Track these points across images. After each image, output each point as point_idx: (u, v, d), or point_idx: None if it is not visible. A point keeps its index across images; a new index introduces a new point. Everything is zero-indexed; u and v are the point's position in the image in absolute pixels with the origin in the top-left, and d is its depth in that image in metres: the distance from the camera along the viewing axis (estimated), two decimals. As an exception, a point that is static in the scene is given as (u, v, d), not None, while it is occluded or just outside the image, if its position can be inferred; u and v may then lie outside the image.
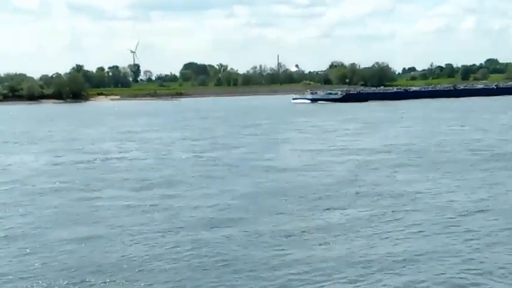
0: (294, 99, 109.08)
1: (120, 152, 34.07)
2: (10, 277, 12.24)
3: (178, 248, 13.65)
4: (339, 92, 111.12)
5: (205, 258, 12.91)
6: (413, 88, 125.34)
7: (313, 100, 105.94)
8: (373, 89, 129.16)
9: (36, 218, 17.26)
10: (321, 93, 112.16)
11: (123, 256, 13.32)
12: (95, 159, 30.67)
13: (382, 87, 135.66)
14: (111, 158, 31.56)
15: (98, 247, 14.21)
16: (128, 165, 28.54)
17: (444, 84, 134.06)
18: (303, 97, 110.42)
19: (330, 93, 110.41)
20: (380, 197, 18.42)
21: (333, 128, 46.10)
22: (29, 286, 11.68)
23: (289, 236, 14.55)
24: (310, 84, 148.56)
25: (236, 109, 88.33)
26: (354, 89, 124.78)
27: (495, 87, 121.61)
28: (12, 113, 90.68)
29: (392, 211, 16.65)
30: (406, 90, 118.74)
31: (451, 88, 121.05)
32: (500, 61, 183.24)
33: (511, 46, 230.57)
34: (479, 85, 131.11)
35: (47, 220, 17.03)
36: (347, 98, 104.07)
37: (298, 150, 32.32)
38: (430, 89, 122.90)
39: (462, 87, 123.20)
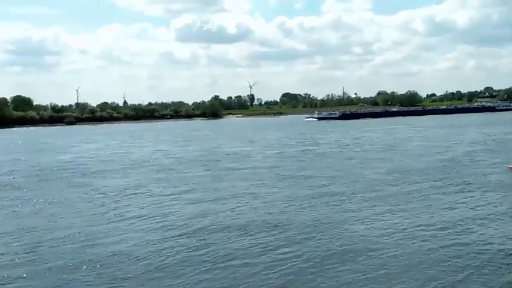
0: (306, 118, 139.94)
1: (313, 145, 50.27)
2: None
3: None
4: (337, 113, 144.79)
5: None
6: (393, 109, 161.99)
7: (319, 118, 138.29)
8: (363, 110, 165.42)
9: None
10: (324, 114, 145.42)
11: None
12: (283, 151, 44.13)
13: (374, 108, 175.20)
14: (323, 146, 47.70)
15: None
16: (323, 152, 42.39)
17: (417, 107, 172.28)
18: (312, 116, 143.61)
19: (331, 113, 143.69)
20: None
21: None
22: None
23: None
24: (364, 105, 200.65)
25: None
26: (348, 110, 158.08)
27: (454, 107, 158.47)
28: (177, 126, 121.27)
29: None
30: (387, 111, 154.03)
31: (421, 109, 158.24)
32: (495, 88, 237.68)
33: (500, 77, 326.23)
34: (443, 106, 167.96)
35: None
36: (342, 117, 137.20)
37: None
38: (404, 109, 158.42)
39: (429, 108, 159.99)
